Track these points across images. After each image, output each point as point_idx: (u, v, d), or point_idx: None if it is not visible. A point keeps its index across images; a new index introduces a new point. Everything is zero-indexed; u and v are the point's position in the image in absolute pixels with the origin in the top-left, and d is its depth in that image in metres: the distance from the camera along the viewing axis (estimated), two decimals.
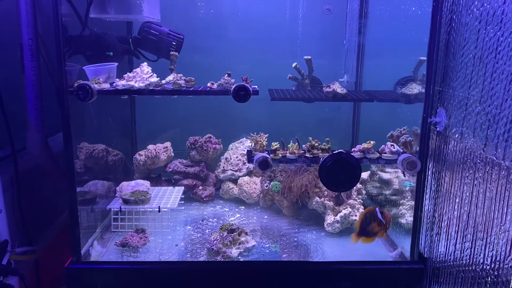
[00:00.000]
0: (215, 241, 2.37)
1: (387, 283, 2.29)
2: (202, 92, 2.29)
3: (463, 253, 1.86)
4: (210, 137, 3.19)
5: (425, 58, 2.14)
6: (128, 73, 2.29)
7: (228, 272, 2.29)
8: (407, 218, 2.61)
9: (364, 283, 2.28)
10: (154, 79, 2.27)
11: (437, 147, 2.14)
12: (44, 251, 2.38)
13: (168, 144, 3.15)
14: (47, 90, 2.36)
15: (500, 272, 1.57)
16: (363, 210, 2.66)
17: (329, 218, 2.65)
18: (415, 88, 2.49)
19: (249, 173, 3.18)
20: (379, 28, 3.08)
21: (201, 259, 2.36)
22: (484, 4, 1.73)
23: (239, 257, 2.37)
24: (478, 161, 1.74)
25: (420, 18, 2.43)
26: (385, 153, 2.26)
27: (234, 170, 3.17)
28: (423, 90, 2.20)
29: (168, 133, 3.30)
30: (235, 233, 2.43)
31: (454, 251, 1.94)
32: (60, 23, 2.00)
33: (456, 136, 1.93)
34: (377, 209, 2.25)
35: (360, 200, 2.73)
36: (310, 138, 2.31)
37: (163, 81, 2.32)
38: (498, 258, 1.58)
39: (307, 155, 2.28)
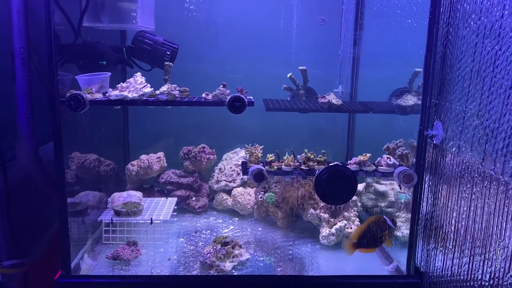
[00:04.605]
0: (208, 254, 2.33)
1: None
2: (196, 103, 2.26)
3: (461, 268, 1.83)
4: (204, 147, 3.15)
5: (420, 70, 2.13)
6: (121, 83, 2.25)
7: (222, 287, 2.25)
8: (403, 231, 2.58)
9: None
10: (148, 89, 2.24)
11: (434, 160, 2.13)
12: (33, 264, 2.33)
13: (161, 154, 3.11)
14: (38, 99, 2.32)
15: None
16: (358, 222, 2.65)
17: (324, 231, 2.62)
18: (411, 100, 2.48)
19: (243, 184, 3.14)
20: (374, 39, 3.07)
21: (194, 272, 2.32)
22: (481, 17, 1.73)
23: (233, 270, 2.33)
24: (476, 175, 1.73)
25: (416, 30, 2.43)
26: (382, 165, 2.24)
27: (228, 181, 3.13)
28: (419, 102, 2.19)
29: (162, 143, 3.26)
30: (229, 246, 2.39)
31: (452, 266, 1.92)
32: (53, 31, 1.96)
33: (453, 149, 1.91)
34: (384, 216, 2.23)
35: (355, 212, 2.70)
36: (306, 150, 2.28)
37: (157, 92, 2.29)
38: (497, 275, 1.56)
39: (303, 167, 2.26)
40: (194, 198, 3.11)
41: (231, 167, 3.17)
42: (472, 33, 1.79)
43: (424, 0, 2.11)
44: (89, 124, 2.73)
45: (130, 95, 2.18)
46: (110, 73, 2.39)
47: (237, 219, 3.04)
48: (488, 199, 1.64)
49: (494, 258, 1.59)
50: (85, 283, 2.19)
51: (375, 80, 3.10)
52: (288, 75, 2.74)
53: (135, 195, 2.78)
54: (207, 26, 3.22)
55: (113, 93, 2.20)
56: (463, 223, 1.83)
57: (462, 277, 1.82)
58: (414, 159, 2.21)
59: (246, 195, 3.04)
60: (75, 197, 2.66)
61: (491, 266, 1.60)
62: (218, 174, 3.18)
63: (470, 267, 1.75)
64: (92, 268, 2.34)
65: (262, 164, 2.29)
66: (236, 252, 2.41)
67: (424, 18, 2.07)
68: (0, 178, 2.20)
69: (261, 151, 2.35)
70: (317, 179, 2.17)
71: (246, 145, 2.38)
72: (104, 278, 2.25)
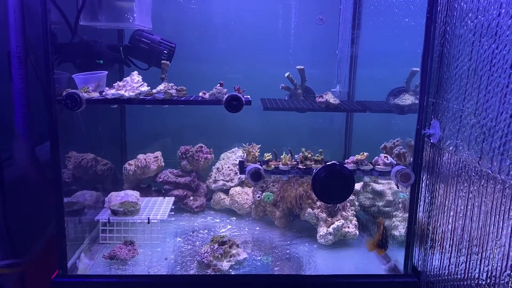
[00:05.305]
0: (205, 254, 2.32)
1: None
2: (193, 102, 2.25)
3: (458, 267, 1.83)
4: (202, 146, 3.15)
5: (417, 69, 2.13)
6: (118, 82, 2.25)
7: (219, 286, 2.24)
8: (400, 230, 2.58)
9: None
10: (145, 88, 2.23)
11: (431, 159, 2.13)
12: (29, 263, 2.32)
13: (158, 153, 3.10)
14: (35, 98, 2.31)
15: None
16: (356, 222, 2.65)
17: (322, 230, 2.62)
18: (408, 99, 2.47)
19: (241, 184, 3.14)
20: (372, 39, 3.07)
21: (191, 272, 2.31)
22: (478, 16, 1.72)
23: (230, 270, 2.33)
24: (473, 174, 1.73)
25: (413, 29, 2.42)
26: (379, 164, 2.24)
27: (225, 180, 3.13)
28: (416, 101, 2.19)
29: (159, 142, 3.25)
30: (226, 246, 2.38)
31: (449, 265, 1.92)
32: (49, 30, 1.96)
33: (451, 148, 1.91)
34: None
35: (352, 211, 2.70)
36: (303, 149, 2.28)
37: (154, 90, 2.28)
38: (494, 274, 1.56)
39: (300, 166, 2.25)
40: (191, 198, 3.10)
41: (228, 167, 3.17)
42: (469, 32, 1.79)
43: None
44: (86, 123, 2.72)
45: (127, 94, 2.18)
46: (107, 72, 2.39)
47: (234, 218, 3.04)
48: (485, 197, 1.64)
49: (491, 257, 1.59)
50: (82, 283, 2.19)
51: (373, 80, 3.10)
52: (286, 75, 2.74)
53: (132, 195, 2.77)
54: (205, 26, 3.21)
55: (110, 92, 2.19)
56: (460, 222, 1.83)
57: (459, 276, 1.82)
58: (412, 158, 2.20)
59: (244, 195, 3.04)
60: (72, 197, 2.65)
61: (488, 264, 1.60)
62: (215, 173, 3.18)
63: (467, 266, 1.75)
64: (89, 267, 2.34)
65: (259, 163, 2.29)
66: (234, 251, 2.41)
67: (421, 17, 2.06)
68: None
69: (258, 150, 2.35)
70: (315, 178, 2.17)
71: (244, 144, 2.37)
72: (101, 277, 2.24)
